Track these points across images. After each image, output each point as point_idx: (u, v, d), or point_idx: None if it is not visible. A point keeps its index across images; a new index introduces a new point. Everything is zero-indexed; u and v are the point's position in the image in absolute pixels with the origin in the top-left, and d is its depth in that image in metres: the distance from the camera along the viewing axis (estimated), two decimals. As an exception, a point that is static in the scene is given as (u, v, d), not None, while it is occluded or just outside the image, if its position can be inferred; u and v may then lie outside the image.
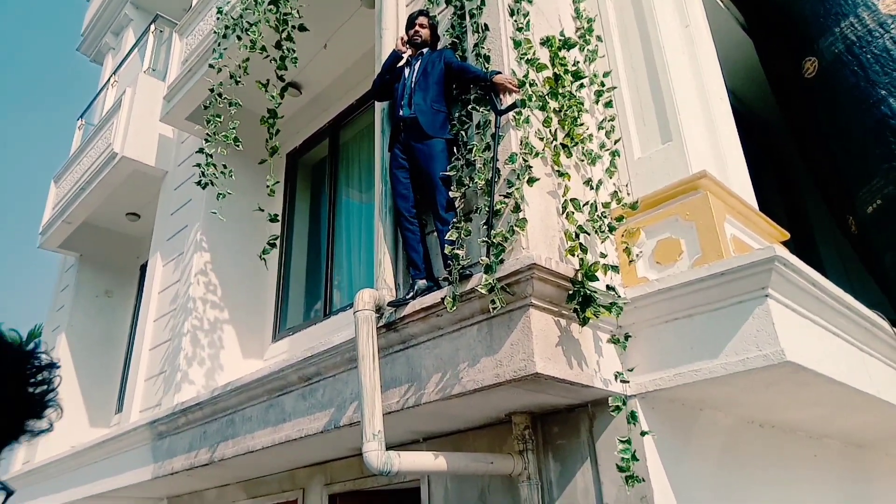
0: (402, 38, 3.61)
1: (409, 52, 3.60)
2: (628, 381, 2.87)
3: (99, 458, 5.67)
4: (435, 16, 3.71)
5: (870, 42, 4.31)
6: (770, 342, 2.55)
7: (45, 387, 0.87)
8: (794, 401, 3.23)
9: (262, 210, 4.43)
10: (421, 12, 3.65)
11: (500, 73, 3.14)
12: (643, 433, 2.76)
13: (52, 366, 0.89)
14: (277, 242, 4.28)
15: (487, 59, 3.28)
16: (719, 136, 3.64)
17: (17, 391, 0.84)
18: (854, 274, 5.55)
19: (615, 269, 2.96)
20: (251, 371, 4.64)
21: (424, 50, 3.56)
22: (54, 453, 6.74)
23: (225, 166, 4.66)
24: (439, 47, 3.62)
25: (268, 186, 4.42)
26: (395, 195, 3.38)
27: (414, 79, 3.44)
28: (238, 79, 4.56)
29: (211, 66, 4.81)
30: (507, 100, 3.06)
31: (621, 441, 2.68)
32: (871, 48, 4.31)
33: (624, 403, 2.74)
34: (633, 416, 2.73)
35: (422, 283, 3.15)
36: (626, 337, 2.96)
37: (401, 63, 3.65)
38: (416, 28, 3.57)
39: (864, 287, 4.90)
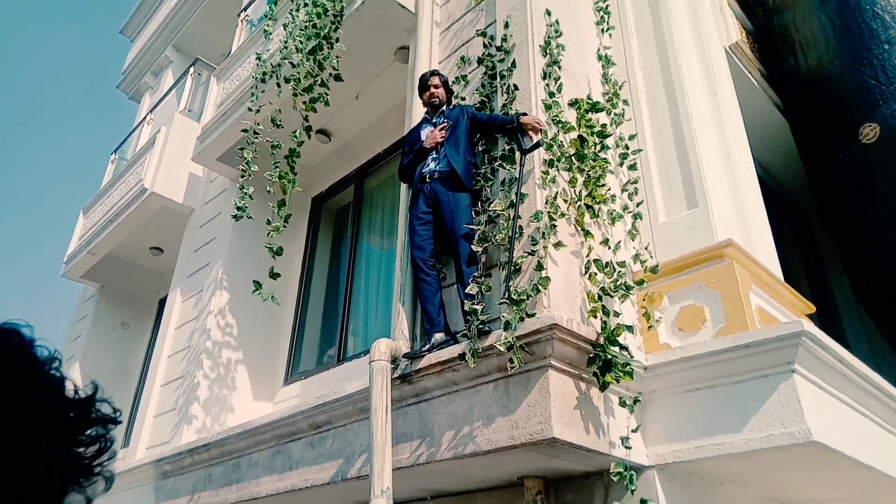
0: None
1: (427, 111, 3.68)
2: (631, 447, 2.75)
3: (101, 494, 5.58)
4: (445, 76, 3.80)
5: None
6: (796, 420, 2.47)
7: (96, 447, 0.65)
8: (818, 481, 3.10)
9: (279, 252, 4.49)
10: (433, 73, 3.75)
11: (526, 114, 3.22)
12: (643, 501, 2.65)
13: (113, 420, 0.66)
14: (280, 283, 4.29)
15: (513, 99, 3.37)
16: (745, 205, 3.63)
17: (57, 450, 0.62)
18: (880, 349, 5.42)
19: (629, 328, 2.90)
20: (260, 414, 4.59)
21: (443, 108, 3.65)
22: (56, 485, 6.66)
23: (251, 196, 4.74)
24: (461, 103, 3.72)
25: (278, 214, 4.45)
26: (413, 246, 3.40)
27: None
28: (278, 122, 4.69)
29: (250, 108, 4.96)
30: (533, 139, 3.11)
31: None
32: None
33: (626, 469, 2.63)
34: (631, 481, 2.61)
35: (439, 336, 3.13)
36: (636, 401, 2.87)
37: (417, 123, 3.76)
38: (432, 90, 3.67)
39: (891, 364, 4.78)
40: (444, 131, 3.48)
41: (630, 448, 2.74)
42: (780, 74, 5.41)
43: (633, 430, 2.76)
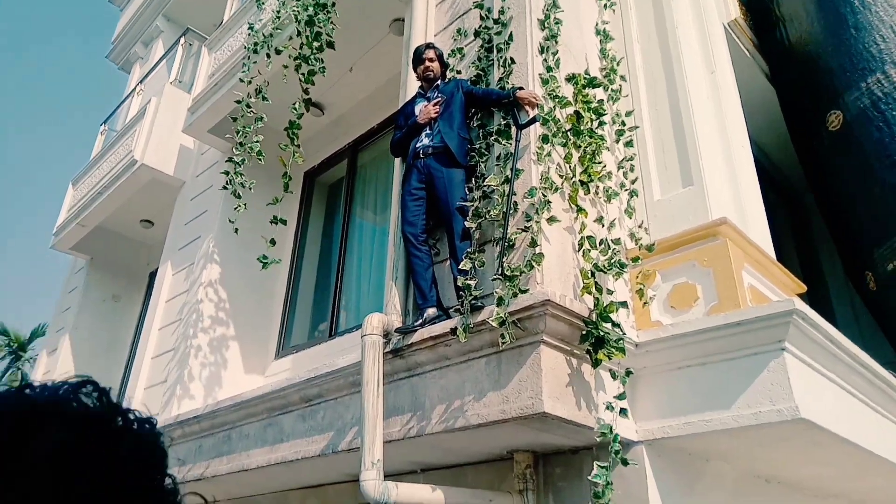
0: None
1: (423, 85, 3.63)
2: (626, 414, 2.72)
3: (91, 465, 5.59)
4: (440, 48, 3.74)
5: (896, 99, 4.32)
6: (784, 397, 2.49)
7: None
8: (804, 458, 3.14)
9: (283, 222, 4.50)
10: (428, 45, 3.69)
11: (522, 88, 3.18)
12: (623, 461, 2.59)
13: (176, 492, 0.67)
14: (276, 245, 4.30)
15: (510, 73, 3.32)
16: (740, 184, 3.62)
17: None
18: (867, 331, 5.47)
19: (624, 304, 2.88)
20: (252, 387, 4.59)
21: (438, 82, 3.60)
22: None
23: (245, 181, 4.69)
24: (456, 77, 3.66)
25: (285, 181, 4.42)
26: (404, 221, 3.37)
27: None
28: (265, 95, 4.61)
29: (241, 80, 4.89)
30: (530, 114, 3.07)
31: (600, 466, 2.54)
32: None
33: (611, 431, 2.61)
34: (615, 439, 2.57)
35: (431, 311, 3.12)
36: (628, 373, 2.85)
37: (411, 97, 3.71)
38: (426, 63, 3.60)
39: (878, 345, 4.82)
40: (438, 106, 3.43)
41: (625, 416, 2.71)
42: (770, 50, 5.37)
43: (617, 397, 2.71)
